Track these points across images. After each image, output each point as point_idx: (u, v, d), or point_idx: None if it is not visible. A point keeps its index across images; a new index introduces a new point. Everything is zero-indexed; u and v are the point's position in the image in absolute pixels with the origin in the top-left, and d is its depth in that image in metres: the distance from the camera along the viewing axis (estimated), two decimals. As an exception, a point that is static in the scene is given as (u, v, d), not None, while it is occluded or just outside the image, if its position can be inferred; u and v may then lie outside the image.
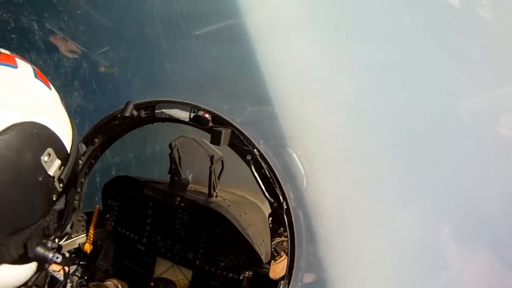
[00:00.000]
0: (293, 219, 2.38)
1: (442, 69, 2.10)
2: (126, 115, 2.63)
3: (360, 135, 2.38)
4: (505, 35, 2.05)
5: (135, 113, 2.71)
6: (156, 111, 2.67)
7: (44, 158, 0.98)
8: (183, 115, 2.57)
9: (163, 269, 2.83)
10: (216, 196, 2.92)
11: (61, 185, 1.06)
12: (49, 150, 1.00)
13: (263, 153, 2.41)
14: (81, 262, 2.78)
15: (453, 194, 2.15)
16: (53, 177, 1.03)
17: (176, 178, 2.90)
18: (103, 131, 2.75)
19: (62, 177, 1.05)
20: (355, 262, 2.33)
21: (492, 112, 2.15)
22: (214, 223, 2.70)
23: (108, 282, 2.73)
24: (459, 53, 2.13)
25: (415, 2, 2.25)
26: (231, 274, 2.66)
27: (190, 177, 2.96)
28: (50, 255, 1.09)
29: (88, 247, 2.74)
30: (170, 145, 2.82)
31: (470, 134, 2.14)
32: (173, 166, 2.88)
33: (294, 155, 2.53)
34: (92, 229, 2.77)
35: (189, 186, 2.95)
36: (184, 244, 2.75)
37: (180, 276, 2.78)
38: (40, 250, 1.07)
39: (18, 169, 0.93)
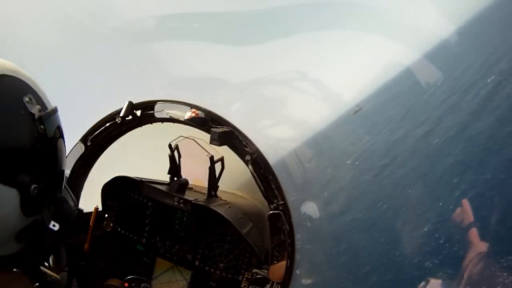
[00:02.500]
0: (292, 220, 2.37)
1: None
2: (125, 115, 2.64)
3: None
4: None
5: (134, 113, 2.72)
6: (156, 111, 2.68)
7: (26, 98, 1.27)
8: (183, 115, 2.57)
9: (163, 269, 2.82)
10: (216, 197, 2.91)
11: (42, 126, 1.29)
12: (30, 95, 1.29)
13: (262, 153, 2.41)
14: (80, 263, 2.78)
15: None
16: (34, 115, 1.27)
17: (175, 179, 2.90)
18: (102, 131, 2.76)
19: (42, 115, 1.29)
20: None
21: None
22: (214, 223, 2.69)
23: (109, 283, 2.73)
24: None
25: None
26: (230, 275, 2.65)
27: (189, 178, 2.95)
28: (33, 186, 1.25)
29: (87, 247, 2.73)
30: (169, 146, 2.81)
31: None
32: (172, 166, 2.88)
33: (294, 155, 2.52)
34: (91, 229, 2.76)
35: (188, 187, 2.95)
36: (184, 244, 2.74)
37: (179, 276, 2.77)
38: (23, 176, 1.22)
39: (6, 99, 1.23)
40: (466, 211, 2.24)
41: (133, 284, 2.32)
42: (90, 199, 2.88)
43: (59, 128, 1.41)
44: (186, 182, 2.92)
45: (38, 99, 1.33)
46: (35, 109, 1.28)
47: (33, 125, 1.27)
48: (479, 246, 2.20)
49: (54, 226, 1.41)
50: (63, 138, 1.45)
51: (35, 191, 1.26)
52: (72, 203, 1.52)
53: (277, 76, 2.71)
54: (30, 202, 1.25)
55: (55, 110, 1.40)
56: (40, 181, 1.28)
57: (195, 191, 2.97)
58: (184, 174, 2.94)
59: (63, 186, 1.49)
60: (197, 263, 2.73)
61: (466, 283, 2.13)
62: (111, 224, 2.90)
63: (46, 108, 1.35)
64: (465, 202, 2.25)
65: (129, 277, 2.34)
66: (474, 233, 2.21)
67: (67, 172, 2.78)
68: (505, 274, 2.13)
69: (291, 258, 2.36)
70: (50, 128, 1.33)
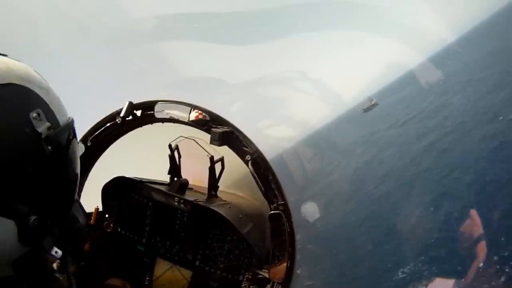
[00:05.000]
0: (293, 219, 2.37)
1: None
2: (125, 115, 2.64)
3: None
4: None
5: (134, 113, 2.72)
6: (156, 111, 2.68)
7: (33, 114, 1.10)
8: (183, 115, 2.58)
9: (163, 269, 2.82)
10: (216, 197, 2.91)
11: (49, 147, 1.13)
12: (38, 110, 1.12)
13: (262, 153, 2.41)
14: (80, 263, 2.78)
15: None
16: (41, 134, 1.11)
17: (175, 179, 2.89)
18: (102, 131, 2.76)
19: (50, 134, 1.13)
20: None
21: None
22: (214, 224, 2.69)
23: (109, 282, 2.73)
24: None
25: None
26: (231, 275, 2.65)
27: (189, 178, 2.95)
28: (32, 218, 1.10)
29: (87, 248, 2.73)
30: (169, 146, 2.81)
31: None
32: (172, 166, 2.87)
33: (294, 155, 2.53)
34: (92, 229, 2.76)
35: (188, 187, 2.94)
36: (184, 244, 2.74)
37: (180, 276, 2.77)
38: (21, 206, 1.08)
39: (8, 115, 1.07)
40: (475, 223, 2.23)
41: None
42: (90, 199, 2.88)
43: (73, 130, 1.28)
44: (186, 182, 2.92)
45: (49, 114, 1.17)
46: (43, 127, 1.12)
47: (39, 146, 1.11)
48: (485, 257, 2.19)
49: (56, 253, 1.26)
50: (76, 137, 1.31)
51: (35, 223, 1.11)
52: (82, 219, 1.41)
53: (277, 76, 2.71)
54: (28, 232, 1.12)
55: (67, 127, 1.24)
56: (41, 210, 1.15)
57: (195, 191, 2.97)
58: (184, 174, 2.94)
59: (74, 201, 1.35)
60: (197, 263, 2.72)
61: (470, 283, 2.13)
62: (112, 225, 2.90)
63: (57, 123, 1.19)
64: (474, 213, 2.23)
65: None
66: (482, 246, 2.19)
67: None
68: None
69: (291, 258, 2.36)
70: (60, 145, 1.18)
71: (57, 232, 1.26)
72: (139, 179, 2.81)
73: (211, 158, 2.74)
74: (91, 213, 2.80)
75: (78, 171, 1.33)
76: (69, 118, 1.29)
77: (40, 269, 1.27)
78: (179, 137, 2.80)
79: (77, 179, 1.32)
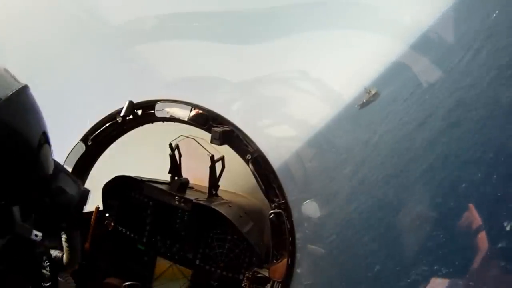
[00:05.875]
0: (293, 218, 2.37)
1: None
2: (126, 114, 2.65)
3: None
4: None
5: (135, 112, 2.72)
6: (156, 111, 2.68)
7: None
8: (183, 114, 2.58)
9: (163, 268, 2.82)
10: (217, 196, 2.91)
11: None
12: None
13: (262, 152, 2.41)
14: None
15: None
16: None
17: (176, 178, 2.90)
18: (103, 131, 2.76)
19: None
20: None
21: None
22: (214, 222, 2.69)
23: (109, 282, 2.73)
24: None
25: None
26: (231, 274, 2.65)
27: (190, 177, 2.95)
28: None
29: (87, 247, 2.73)
30: (170, 145, 2.81)
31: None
32: (173, 165, 2.88)
33: (295, 155, 2.53)
34: (92, 228, 2.76)
35: (189, 186, 2.95)
36: (184, 243, 2.74)
37: (180, 275, 2.77)
38: None
39: None
40: (473, 215, 2.23)
41: None
42: (91, 198, 2.87)
43: (44, 134, 1.27)
44: (186, 181, 2.92)
45: None
46: None
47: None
48: (487, 248, 2.18)
49: (36, 236, 1.30)
50: (49, 144, 1.31)
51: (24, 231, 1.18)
52: (71, 189, 1.44)
53: (277, 75, 2.72)
54: None
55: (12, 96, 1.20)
56: (2, 197, 1.17)
57: (195, 190, 2.97)
58: (185, 173, 2.94)
59: (59, 174, 1.38)
60: (197, 262, 2.73)
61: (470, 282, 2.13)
62: (112, 224, 2.90)
63: None
64: (471, 207, 2.24)
65: (126, 283, 2.35)
66: (483, 236, 2.19)
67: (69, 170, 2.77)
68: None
69: (291, 257, 2.36)
70: (4, 118, 1.16)
71: (33, 216, 1.29)
72: (139, 178, 2.81)
73: (212, 157, 2.74)
74: (91, 212, 2.80)
75: (32, 150, 1.26)
76: (17, 87, 1.23)
77: (26, 255, 1.32)
78: (179, 136, 2.80)
79: (29, 156, 1.25)
